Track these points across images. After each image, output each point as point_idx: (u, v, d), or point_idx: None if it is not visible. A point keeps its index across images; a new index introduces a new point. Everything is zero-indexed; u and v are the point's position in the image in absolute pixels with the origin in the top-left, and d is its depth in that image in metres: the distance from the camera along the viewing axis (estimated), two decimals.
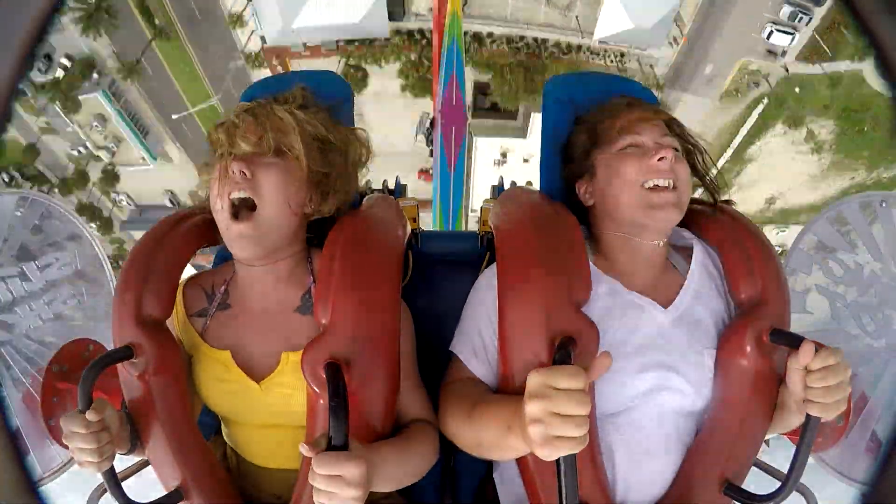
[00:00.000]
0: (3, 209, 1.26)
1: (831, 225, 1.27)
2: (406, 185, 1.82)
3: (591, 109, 1.19)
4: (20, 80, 0.41)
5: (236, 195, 0.99)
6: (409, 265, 1.30)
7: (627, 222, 1.07)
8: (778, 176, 19.32)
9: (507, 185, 1.76)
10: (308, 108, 1.10)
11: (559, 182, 1.23)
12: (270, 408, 1.05)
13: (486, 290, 1.10)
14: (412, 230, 1.39)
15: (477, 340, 1.08)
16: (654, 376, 1.02)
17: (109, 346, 1.32)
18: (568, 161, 1.20)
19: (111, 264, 1.45)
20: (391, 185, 1.81)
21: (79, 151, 19.46)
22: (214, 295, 1.12)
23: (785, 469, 0.96)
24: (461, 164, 9.71)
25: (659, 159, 1.02)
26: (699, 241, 1.15)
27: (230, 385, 1.06)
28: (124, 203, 20.83)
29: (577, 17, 18.10)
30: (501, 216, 1.15)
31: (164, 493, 1.03)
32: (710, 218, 1.13)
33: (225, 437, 1.18)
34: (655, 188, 1.03)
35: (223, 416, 1.13)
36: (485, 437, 0.95)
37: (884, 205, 1.20)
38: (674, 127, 1.13)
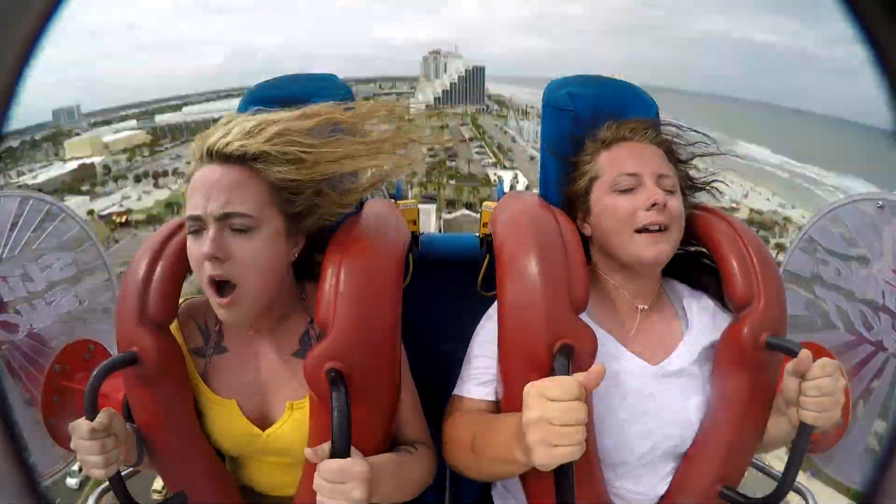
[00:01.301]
0: (6, 209, 1.27)
1: (829, 226, 1.27)
2: (406, 187, 1.83)
3: (594, 128, 1.18)
4: (20, 80, 0.42)
5: (217, 278, 0.94)
6: (410, 268, 1.30)
7: (618, 261, 1.08)
8: None
9: (506, 188, 1.75)
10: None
11: (558, 187, 1.23)
12: (275, 451, 1.06)
13: (488, 323, 1.11)
14: (412, 233, 1.39)
15: (476, 372, 1.08)
16: (639, 427, 1.03)
17: (111, 347, 1.32)
18: (569, 188, 1.18)
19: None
20: (391, 189, 1.81)
21: None
22: (209, 333, 1.10)
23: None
24: None
25: (652, 205, 1.02)
26: (692, 293, 1.15)
27: (235, 431, 1.06)
28: None
29: None
30: (501, 221, 1.15)
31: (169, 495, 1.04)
32: (708, 224, 1.13)
33: (227, 467, 1.18)
34: (645, 230, 1.03)
35: (226, 453, 1.13)
36: (490, 457, 0.95)
37: (881, 205, 1.20)
38: (674, 150, 1.13)
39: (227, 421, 1.06)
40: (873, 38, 0.55)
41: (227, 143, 0.95)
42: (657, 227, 1.02)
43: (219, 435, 1.08)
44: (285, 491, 1.09)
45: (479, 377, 1.08)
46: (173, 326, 1.07)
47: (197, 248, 0.94)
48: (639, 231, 1.03)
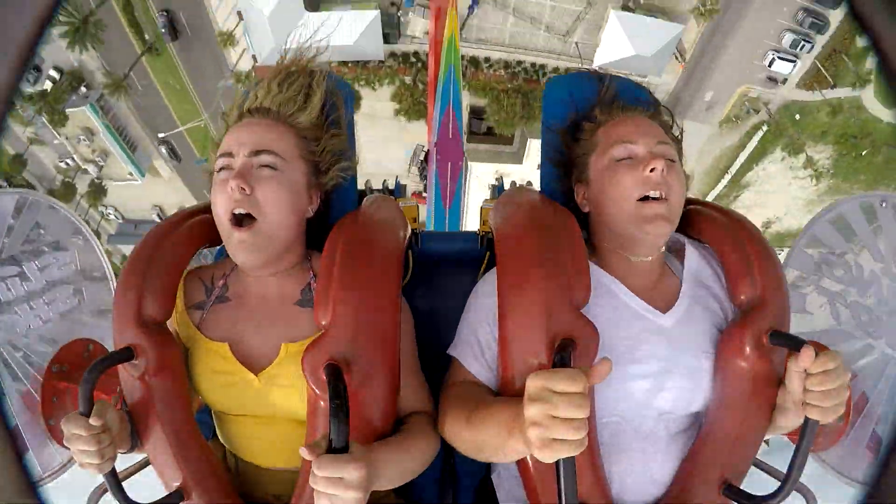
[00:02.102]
0: (3, 209, 1.26)
1: (832, 225, 1.27)
2: (406, 185, 1.83)
3: (590, 110, 1.19)
4: (20, 79, 0.42)
5: (238, 210, 1.00)
6: (410, 265, 1.30)
7: (620, 234, 1.08)
8: (775, 200, 19.55)
9: (507, 186, 1.76)
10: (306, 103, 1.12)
11: (559, 182, 1.23)
12: (268, 401, 1.05)
13: (485, 296, 1.10)
14: (412, 230, 1.39)
15: (475, 343, 1.08)
16: (650, 381, 1.02)
17: (109, 347, 1.32)
18: (566, 165, 1.20)
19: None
20: (391, 186, 1.81)
21: (66, 163, 19.31)
22: (213, 288, 1.13)
23: (784, 468, 0.96)
24: (457, 202, 9.01)
25: (650, 170, 1.02)
26: (691, 242, 1.16)
27: (228, 377, 1.05)
28: (112, 216, 20.70)
29: (576, 43, 18.04)
30: (501, 217, 1.15)
31: (165, 493, 1.03)
32: (709, 219, 1.13)
33: (222, 440, 1.17)
34: (646, 199, 1.03)
35: (220, 410, 1.12)
36: (485, 440, 0.95)
37: (884, 205, 1.20)
38: (672, 128, 1.14)
39: (219, 365, 1.05)
40: (873, 38, 0.55)
41: (260, 101, 1.09)
42: (658, 195, 1.02)
43: (210, 385, 1.07)
44: (282, 462, 1.08)
45: (478, 352, 1.07)
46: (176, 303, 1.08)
47: (223, 180, 1.01)
48: (640, 200, 1.03)
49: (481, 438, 0.95)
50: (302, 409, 1.00)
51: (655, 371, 1.02)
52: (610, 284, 1.07)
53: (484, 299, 1.10)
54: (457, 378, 1.09)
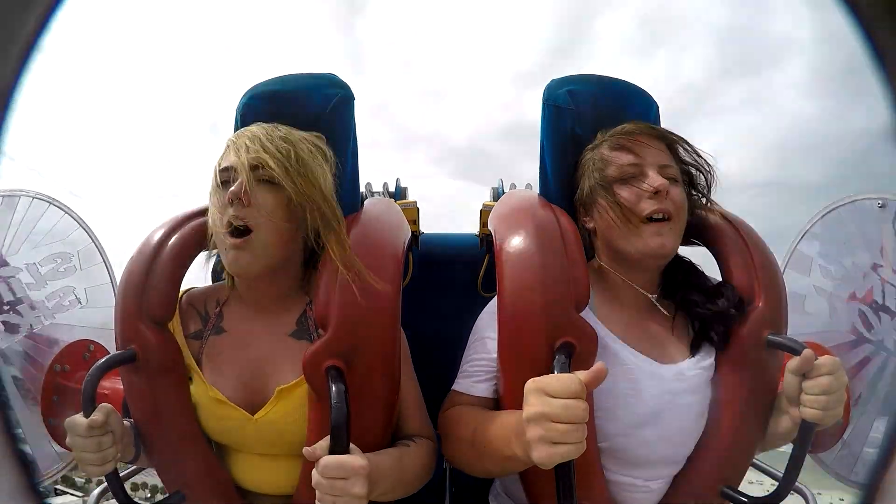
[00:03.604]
0: (6, 209, 1.27)
1: (830, 226, 1.28)
2: (406, 187, 1.82)
3: (592, 121, 1.18)
4: (20, 80, 0.42)
5: (237, 223, 0.98)
6: (410, 267, 1.30)
7: (624, 256, 1.06)
8: None
9: (506, 189, 1.75)
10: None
11: (558, 186, 1.23)
12: (264, 438, 1.04)
13: (487, 314, 1.10)
14: (412, 232, 1.39)
15: (473, 364, 1.08)
16: (651, 429, 1.01)
17: (111, 347, 1.32)
18: (571, 184, 1.19)
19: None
20: (391, 188, 1.81)
21: None
22: (209, 316, 1.11)
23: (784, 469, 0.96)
24: None
25: (655, 192, 1.01)
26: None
27: (225, 417, 1.04)
28: None
29: None
30: (500, 219, 1.15)
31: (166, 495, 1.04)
32: (707, 222, 1.13)
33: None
34: (650, 220, 1.02)
35: (219, 443, 1.11)
36: (489, 452, 0.95)
37: (881, 205, 1.21)
38: (676, 149, 1.11)
39: (216, 405, 1.04)
40: (873, 38, 0.55)
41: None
42: (661, 216, 1.01)
43: (208, 421, 1.06)
44: (281, 490, 1.08)
45: (478, 374, 1.07)
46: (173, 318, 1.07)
47: (222, 194, 1.00)
48: (644, 221, 1.02)
49: (486, 453, 0.95)
50: (297, 444, 0.98)
51: (652, 419, 1.01)
52: (612, 344, 1.05)
53: (484, 319, 1.11)
54: (458, 401, 1.08)
